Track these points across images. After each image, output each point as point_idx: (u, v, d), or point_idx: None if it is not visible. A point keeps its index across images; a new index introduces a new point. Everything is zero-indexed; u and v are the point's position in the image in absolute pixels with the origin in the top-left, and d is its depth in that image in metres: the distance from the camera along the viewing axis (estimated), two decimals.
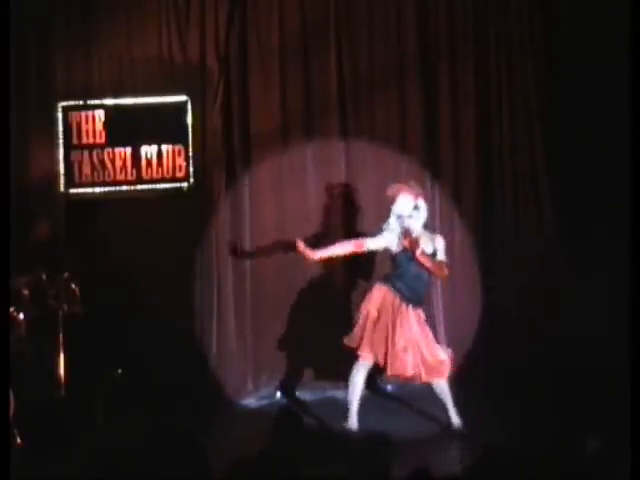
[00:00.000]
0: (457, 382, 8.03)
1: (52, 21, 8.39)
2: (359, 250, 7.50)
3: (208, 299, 8.48)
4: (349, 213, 8.58)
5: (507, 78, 8.68)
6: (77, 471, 6.09)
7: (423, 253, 7.26)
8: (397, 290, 7.31)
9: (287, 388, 8.50)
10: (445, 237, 8.43)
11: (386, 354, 7.26)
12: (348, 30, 8.59)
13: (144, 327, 8.17)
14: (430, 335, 7.42)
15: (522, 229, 8.72)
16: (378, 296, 7.35)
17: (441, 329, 8.63)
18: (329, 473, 4.79)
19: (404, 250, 7.31)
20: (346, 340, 7.39)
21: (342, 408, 7.62)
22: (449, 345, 8.52)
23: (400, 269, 7.34)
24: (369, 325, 7.32)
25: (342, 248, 7.51)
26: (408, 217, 7.30)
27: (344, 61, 8.59)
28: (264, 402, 8.43)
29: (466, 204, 8.68)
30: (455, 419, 7.40)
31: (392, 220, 7.36)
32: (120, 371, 7.93)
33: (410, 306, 7.31)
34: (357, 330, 7.36)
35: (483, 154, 8.72)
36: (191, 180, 8.36)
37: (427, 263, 7.28)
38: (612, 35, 8.09)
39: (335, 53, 8.57)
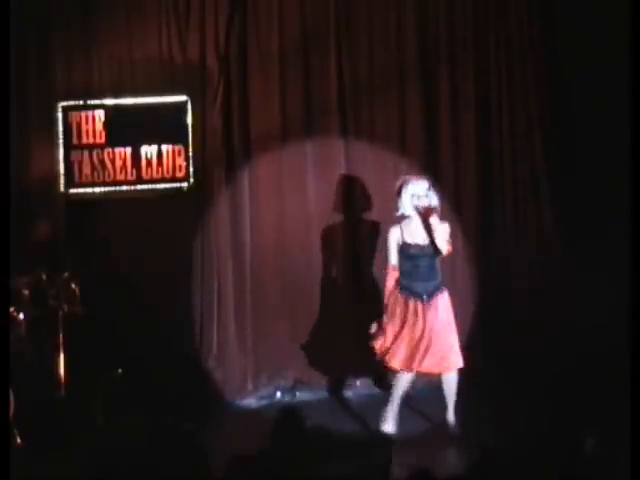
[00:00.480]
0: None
1: (52, 21, 8.38)
2: (395, 274, 7.37)
3: (208, 299, 8.48)
4: (349, 213, 8.58)
5: (507, 84, 8.68)
6: (77, 471, 6.10)
7: (436, 220, 7.18)
8: (406, 289, 7.25)
9: (295, 388, 8.51)
10: None
11: (412, 359, 7.20)
12: (348, 35, 8.58)
13: (144, 327, 8.17)
14: (452, 323, 7.29)
15: (522, 234, 8.73)
16: (391, 304, 7.30)
17: None
18: (329, 473, 4.79)
19: (401, 251, 7.27)
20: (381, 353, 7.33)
21: (343, 408, 7.64)
22: None
23: (403, 268, 7.29)
24: (389, 338, 7.26)
25: (389, 285, 7.38)
26: (424, 196, 7.21)
27: (344, 65, 8.58)
28: (264, 402, 8.43)
29: (466, 209, 8.68)
30: (451, 417, 7.37)
31: (406, 200, 7.22)
32: (120, 371, 7.93)
33: (425, 298, 7.23)
34: (386, 344, 7.29)
35: (483, 160, 8.72)
36: (191, 180, 8.36)
37: (436, 232, 7.16)
38: (612, 41, 8.09)
39: (335, 57, 8.57)
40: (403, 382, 7.31)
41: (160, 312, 8.19)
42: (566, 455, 4.73)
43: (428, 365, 7.23)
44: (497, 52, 8.69)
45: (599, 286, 8.26)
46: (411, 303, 7.24)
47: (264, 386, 8.57)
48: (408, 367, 7.22)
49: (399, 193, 7.30)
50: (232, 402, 8.41)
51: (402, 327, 7.23)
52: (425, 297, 7.23)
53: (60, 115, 8.26)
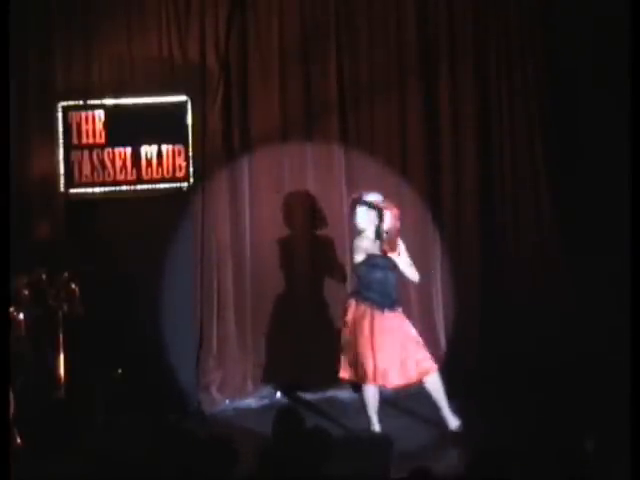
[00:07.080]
0: (456, 383, 8.05)
1: (52, 21, 8.38)
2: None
3: (208, 299, 8.48)
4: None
5: (507, 83, 8.71)
6: (77, 471, 6.09)
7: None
8: (367, 299, 7.21)
9: (288, 388, 8.50)
10: (446, 241, 8.46)
11: (375, 370, 7.17)
12: (348, 35, 8.59)
13: (144, 327, 8.17)
14: (413, 333, 7.30)
15: (522, 234, 8.73)
16: (350, 314, 7.27)
17: (440, 330, 8.66)
18: (329, 473, 4.80)
19: (365, 261, 7.24)
20: (341, 374, 7.35)
21: (342, 408, 7.63)
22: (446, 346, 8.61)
23: (364, 279, 7.26)
24: (347, 349, 7.28)
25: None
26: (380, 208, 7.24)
27: (344, 65, 8.59)
28: (264, 402, 8.43)
29: (467, 208, 8.69)
30: (452, 421, 7.30)
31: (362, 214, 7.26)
32: (120, 371, 7.93)
33: (386, 310, 7.21)
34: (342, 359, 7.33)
35: (483, 159, 8.72)
36: (191, 180, 8.37)
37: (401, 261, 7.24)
38: (612, 39, 8.11)
39: (335, 57, 8.57)
40: (369, 395, 7.27)
41: (160, 312, 8.19)
42: (566, 456, 4.73)
43: (400, 378, 7.20)
44: (497, 52, 8.70)
45: (599, 286, 8.27)
46: (370, 312, 7.19)
47: (264, 386, 8.57)
48: (377, 382, 7.21)
49: (354, 207, 7.30)
50: (232, 402, 8.41)
51: (359, 337, 7.19)
52: (386, 309, 7.19)
53: (60, 115, 8.25)
